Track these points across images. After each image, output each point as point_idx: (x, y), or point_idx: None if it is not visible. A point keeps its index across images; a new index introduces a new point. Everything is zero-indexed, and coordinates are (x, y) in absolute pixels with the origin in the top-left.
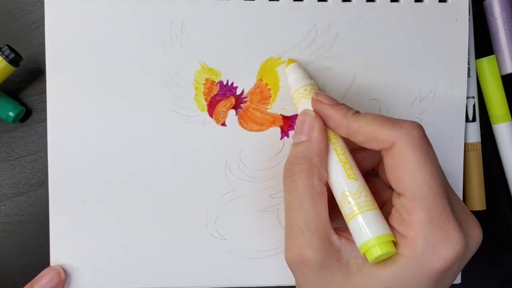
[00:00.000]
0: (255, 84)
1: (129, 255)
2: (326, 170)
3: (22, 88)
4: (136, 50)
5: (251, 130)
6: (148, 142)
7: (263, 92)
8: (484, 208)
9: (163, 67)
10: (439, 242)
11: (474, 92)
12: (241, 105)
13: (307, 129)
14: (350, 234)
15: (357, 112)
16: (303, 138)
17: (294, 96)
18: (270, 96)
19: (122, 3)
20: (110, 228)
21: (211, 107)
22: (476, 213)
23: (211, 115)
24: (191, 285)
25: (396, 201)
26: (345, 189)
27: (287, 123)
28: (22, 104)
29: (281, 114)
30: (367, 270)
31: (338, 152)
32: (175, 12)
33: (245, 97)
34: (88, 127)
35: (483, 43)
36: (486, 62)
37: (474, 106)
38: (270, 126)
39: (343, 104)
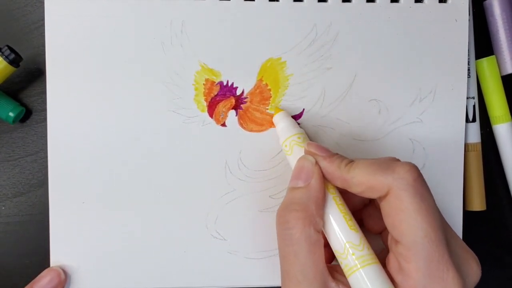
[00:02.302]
0: (255, 85)
1: (129, 256)
2: (322, 218)
3: (22, 88)
4: (136, 50)
5: (251, 130)
6: (148, 142)
7: (263, 93)
8: (484, 208)
9: (163, 67)
10: None
11: (474, 93)
12: (241, 105)
13: (305, 175)
14: (344, 275)
15: (351, 161)
16: (300, 184)
17: (286, 143)
18: (270, 97)
19: (122, 3)
20: (110, 229)
21: (211, 108)
22: (476, 213)
23: (211, 116)
24: (191, 285)
25: (393, 247)
26: (348, 241)
27: None
28: (22, 104)
29: None
30: None
31: (338, 202)
32: (175, 12)
33: (245, 98)
34: (88, 128)
35: (483, 43)
36: (486, 63)
37: (474, 106)
38: (270, 127)
39: (337, 154)
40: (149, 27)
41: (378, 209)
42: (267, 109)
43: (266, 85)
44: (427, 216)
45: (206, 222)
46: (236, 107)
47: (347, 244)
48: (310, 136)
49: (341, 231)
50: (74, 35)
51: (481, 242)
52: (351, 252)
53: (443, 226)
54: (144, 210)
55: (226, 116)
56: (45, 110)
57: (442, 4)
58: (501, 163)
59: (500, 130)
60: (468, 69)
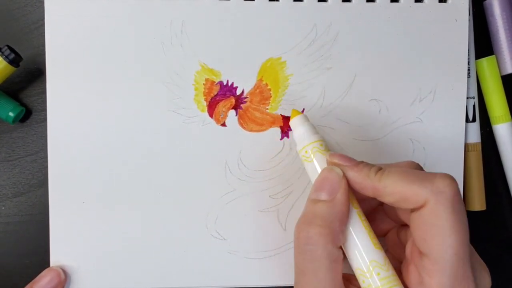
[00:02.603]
0: (255, 85)
1: (128, 255)
2: (345, 235)
3: (22, 88)
4: (136, 50)
5: (251, 130)
6: (148, 142)
7: (263, 93)
8: (484, 208)
9: (163, 67)
10: None
11: (474, 93)
12: (241, 105)
13: (331, 188)
14: (357, 285)
15: (380, 169)
16: (324, 196)
17: (307, 149)
18: (270, 97)
19: (122, 3)
20: (110, 229)
21: (211, 108)
22: (476, 213)
23: (211, 116)
24: (191, 285)
25: (416, 259)
26: (372, 259)
27: (287, 123)
28: (22, 104)
29: (281, 114)
30: None
31: (362, 218)
32: (175, 12)
33: (245, 98)
34: (88, 127)
35: (483, 43)
36: (486, 62)
37: (474, 106)
38: (270, 127)
39: (363, 162)
40: (149, 27)
41: (385, 212)
42: (267, 109)
43: (266, 85)
44: (460, 234)
45: (206, 222)
46: (236, 107)
47: (371, 263)
48: None
49: (365, 249)
50: (74, 35)
51: (481, 242)
52: (376, 271)
53: (469, 243)
54: (144, 210)
55: (226, 116)
56: (45, 110)
57: (442, 4)
58: (501, 163)
59: (500, 130)
60: (468, 69)
